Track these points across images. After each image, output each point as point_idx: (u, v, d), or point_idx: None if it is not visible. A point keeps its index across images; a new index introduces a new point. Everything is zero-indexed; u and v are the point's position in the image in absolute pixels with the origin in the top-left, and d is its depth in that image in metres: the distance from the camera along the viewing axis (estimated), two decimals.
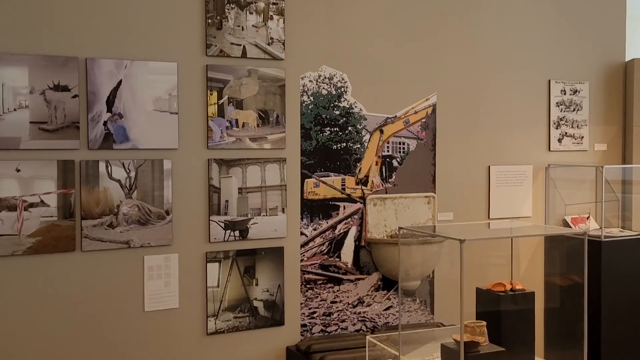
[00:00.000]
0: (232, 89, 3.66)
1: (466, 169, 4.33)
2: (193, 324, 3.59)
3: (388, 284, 4.06)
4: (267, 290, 3.76)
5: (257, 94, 3.73)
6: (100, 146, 3.34)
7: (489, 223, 4.23)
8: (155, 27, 3.47)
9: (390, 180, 4.08)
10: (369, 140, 4.03)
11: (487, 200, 4.39)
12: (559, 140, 4.59)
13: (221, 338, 3.65)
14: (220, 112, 3.64)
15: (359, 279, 4.01)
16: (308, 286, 3.87)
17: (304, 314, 3.86)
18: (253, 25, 3.69)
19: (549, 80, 4.59)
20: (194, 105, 3.58)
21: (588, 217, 4.51)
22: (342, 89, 3.96)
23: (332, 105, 3.93)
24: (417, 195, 4.12)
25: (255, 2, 3.69)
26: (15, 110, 3.17)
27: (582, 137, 4.67)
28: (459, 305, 2.42)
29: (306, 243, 3.87)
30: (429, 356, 3.22)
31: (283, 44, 3.76)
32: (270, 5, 3.73)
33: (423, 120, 4.17)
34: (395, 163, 4.10)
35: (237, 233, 3.67)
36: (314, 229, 3.89)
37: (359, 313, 4.01)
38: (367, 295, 4.03)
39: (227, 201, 3.66)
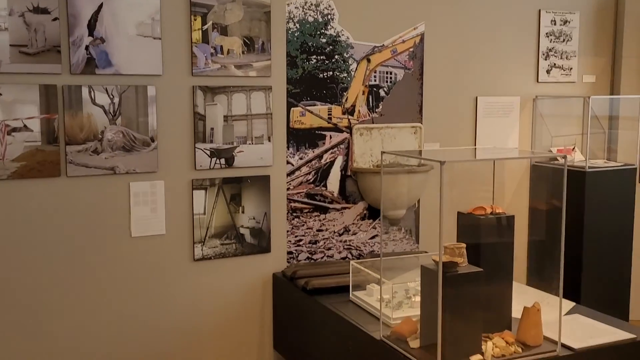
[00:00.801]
0: (217, 14, 3.60)
1: (453, 100, 4.31)
2: (180, 250, 3.64)
3: (374, 213, 4.10)
4: (254, 218, 3.79)
5: (242, 20, 3.67)
6: (82, 71, 3.30)
7: (474, 149, 4.25)
8: None
9: (377, 110, 4.07)
10: (356, 69, 4.00)
11: (474, 132, 4.39)
12: (548, 72, 4.57)
13: (208, 264, 3.71)
14: (205, 38, 3.59)
15: (344, 208, 4.04)
16: (294, 214, 3.91)
17: (290, 241, 3.91)
18: None
19: (539, 10, 4.53)
20: (177, 30, 3.53)
21: (573, 149, 4.54)
22: (329, 17, 3.90)
23: (319, 32, 3.88)
24: (403, 126, 4.12)
25: None
26: None
27: (571, 68, 4.64)
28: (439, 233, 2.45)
29: (292, 172, 3.89)
30: (413, 282, 3.30)
31: None
32: None
33: (411, 49, 4.13)
34: (382, 93, 4.08)
35: (223, 161, 3.68)
36: (300, 158, 3.90)
37: (345, 241, 4.06)
38: (353, 224, 4.08)
39: (212, 129, 3.65)
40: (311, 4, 3.85)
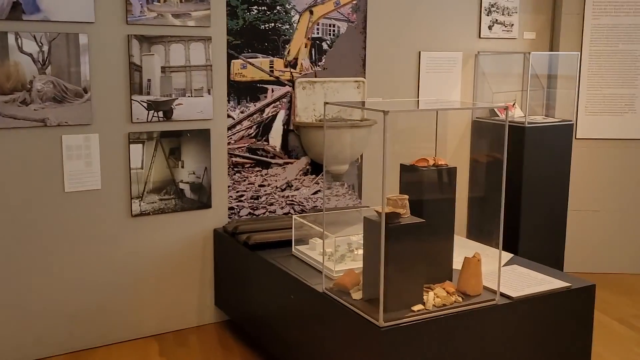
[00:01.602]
0: None
1: (397, 54, 4.28)
2: (117, 206, 3.52)
3: (316, 168, 4.06)
4: (194, 173, 3.70)
5: None
6: (7, 16, 3.10)
7: (417, 101, 4.25)
8: None
9: (319, 63, 4.00)
10: (298, 21, 3.90)
11: (417, 87, 4.38)
12: (490, 27, 4.58)
13: (146, 220, 3.61)
14: None
15: (287, 163, 3.99)
16: (235, 169, 3.83)
17: (231, 197, 3.84)
18: None
19: None
20: None
21: (514, 105, 4.59)
22: None
23: None
24: (346, 80, 4.07)
25: None
26: None
27: (512, 24, 4.66)
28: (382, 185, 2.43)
29: (233, 126, 3.80)
30: (355, 235, 3.29)
31: None
32: None
33: (354, 2, 4.06)
34: (325, 46, 4.00)
35: (161, 114, 3.56)
36: (241, 112, 3.81)
37: (287, 197, 4.02)
38: (296, 179, 4.03)
39: (149, 80, 3.52)
40: None
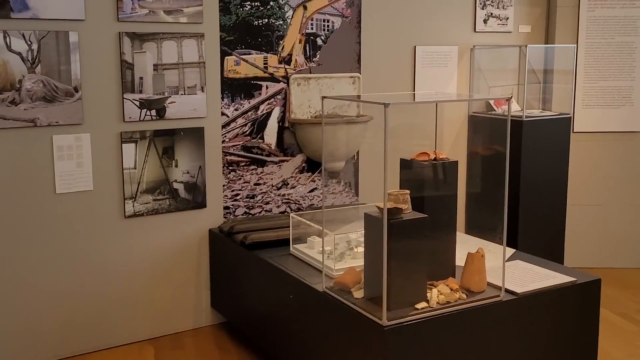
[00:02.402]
0: None
1: (392, 49, 4.22)
2: (110, 207, 3.45)
3: (312, 166, 4.00)
4: (188, 172, 3.63)
5: None
6: None
7: (414, 94, 4.19)
8: None
9: (314, 59, 3.93)
10: (292, 17, 3.84)
11: (413, 81, 4.32)
12: (485, 21, 4.53)
13: (140, 221, 3.53)
14: None
15: (283, 161, 3.92)
16: (230, 168, 3.76)
17: (226, 196, 3.77)
18: None
19: None
20: None
21: (510, 99, 4.53)
22: None
23: None
24: (342, 76, 4.01)
25: None
26: None
27: (507, 18, 4.62)
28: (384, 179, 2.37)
29: (227, 124, 3.73)
30: (354, 233, 3.23)
31: None
32: None
33: None
34: (319, 41, 3.94)
35: (153, 112, 3.49)
36: (236, 109, 3.74)
37: (284, 195, 3.95)
38: (292, 177, 3.97)
39: (141, 78, 3.44)
40: None
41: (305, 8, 3.86)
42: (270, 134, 3.86)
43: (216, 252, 3.70)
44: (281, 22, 3.81)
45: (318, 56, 3.94)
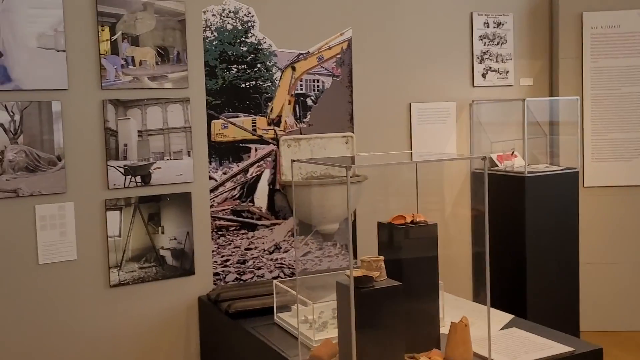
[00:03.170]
0: (127, 24, 3.39)
1: (386, 107, 4.14)
2: (94, 276, 3.37)
3: (305, 228, 3.89)
4: (175, 239, 3.55)
5: (155, 29, 3.46)
6: None
7: (410, 153, 4.08)
8: None
9: (304, 120, 3.88)
10: (281, 78, 3.80)
11: (409, 140, 4.22)
12: (483, 75, 4.43)
13: (126, 290, 3.45)
14: (114, 50, 3.37)
15: (274, 224, 3.82)
16: (220, 233, 3.68)
17: (216, 262, 3.67)
18: None
19: (471, 13, 4.40)
20: (83, 42, 3.30)
21: (513, 153, 4.39)
22: (249, 24, 3.71)
23: (239, 41, 3.69)
24: (334, 135, 3.93)
25: None
26: None
27: (508, 71, 4.51)
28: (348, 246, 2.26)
29: (216, 188, 3.66)
30: None
31: None
32: None
33: (338, 56, 3.95)
34: (309, 102, 3.89)
35: (138, 178, 3.44)
36: (224, 173, 3.68)
37: (276, 259, 3.84)
38: (284, 240, 3.86)
39: (125, 145, 3.42)
40: (229, 11, 3.66)
41: (293, 69, 3.83)
42: (261, 197, 3.78)
43: (205, 321, 3.58)
44: (269, 84, 3.77)
45: (308, 117, 3.88)
